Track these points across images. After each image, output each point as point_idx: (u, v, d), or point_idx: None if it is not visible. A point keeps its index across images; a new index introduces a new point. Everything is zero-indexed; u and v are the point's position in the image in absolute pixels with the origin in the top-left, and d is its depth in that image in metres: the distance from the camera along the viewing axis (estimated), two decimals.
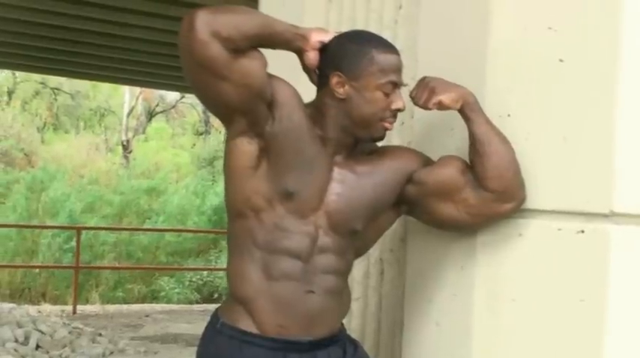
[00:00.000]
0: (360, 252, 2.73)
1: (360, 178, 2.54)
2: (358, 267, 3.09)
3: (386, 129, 2.50)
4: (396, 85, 2.46)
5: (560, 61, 2.45)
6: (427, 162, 2.61)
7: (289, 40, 2.45)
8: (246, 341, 2.45)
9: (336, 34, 2.53)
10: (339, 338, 2.58)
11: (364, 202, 2.53)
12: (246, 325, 2.46)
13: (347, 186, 2.52)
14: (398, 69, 2.47)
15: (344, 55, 2.46)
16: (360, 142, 2.55)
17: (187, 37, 2.28)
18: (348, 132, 2.50)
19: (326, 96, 2.50)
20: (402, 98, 2.48)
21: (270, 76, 2.41)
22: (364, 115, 2.46)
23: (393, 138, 2.97)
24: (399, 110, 2.48)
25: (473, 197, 2.50)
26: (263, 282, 2.45)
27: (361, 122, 2.47)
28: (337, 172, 2.51)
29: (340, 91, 2.46)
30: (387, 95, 2.45)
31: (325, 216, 2.49)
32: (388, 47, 2.50)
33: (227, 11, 2.33)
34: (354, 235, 2.56)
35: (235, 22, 2.29)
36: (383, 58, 2.44)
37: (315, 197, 2.47)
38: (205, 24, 2.25)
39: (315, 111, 2.51)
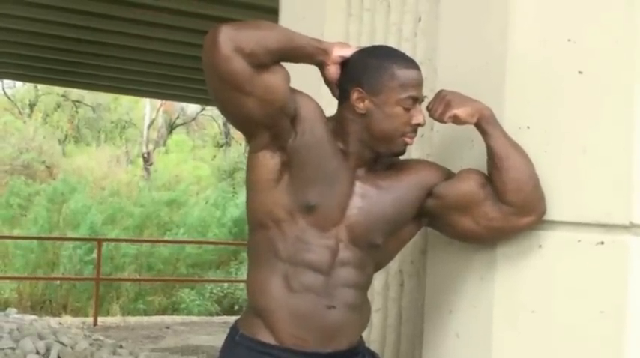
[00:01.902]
0: (380, 265, 2.73)
1: (381, 192, 2.54)
2: (378, 279, 3.09)
3: (406, 143, 2.51)
4: (416, 99, 2.47)
5: (580, 72, 2.46)
6: (448, 175, 2.61)
7: (311, 54, 2.47)
8: (265, 352, 2.46)
9: (357, 49, 2.54)
10: (359, 351, 2.58)
11: (385, 216, 2.54)
12: (265, 336, 2.46)
13: (368, 200, 2.52)
14: (418, 84, 2.48)
15: (364, 71, 2.47)
16: (381, 157, 2.56)
17: (211, 52, 2.29)
18: (369, 146, 2.51)
19: (347, 111, 2.51)
20: (422, 113, 2.49)
21: (293, 91, 2.43)
22: (385, 130, 2.47)
23: (413, 150, 2.97)
24: (419, 125, 2.49)
25: (492, 210, 2.50)
26: (283, 294, 2.45)
27: (382, 137, 2.48)
28: (359, 186, 2.52)
29: (360, 106, 2.47)
30: (407, 110, 2.45)
31: (346, 230, 2.50)
32: (409, 62, 2.51)
33: (250, 26, 2.35)
34: (375, 249, 2.56)
35: (258, 37, 2.31)
36: (403, 73, 2.45)
37: (336, 211, 2.48)
38: (228, 39, 2.26)
39: (337, 125, 2.52)
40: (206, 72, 2.36)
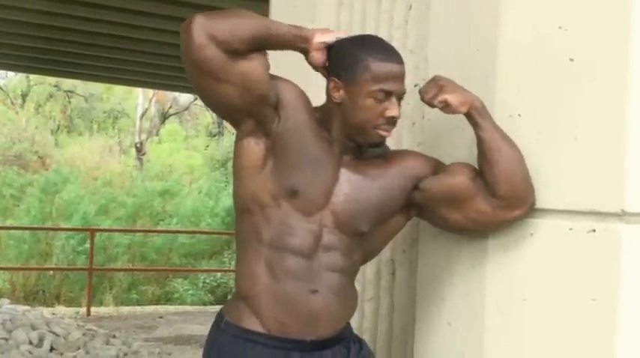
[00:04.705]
0: (369, 255, 2.74)
1: (368, 180, 2.55)
2: (370, 268, 3.09)
3: (381, 136, 2.51)
4: (390, 93, 2.45)
5: (571, 60, 2.45)
6: (436, 167, 2.61)
7: (290, 42, 2.48)
8: (249, 339, 2.48)
9: (343, 35, 2.54)
10: (344, 338, 2.58)
11: (371, 204, 2.55)
12: (250, 323, 2.49)
13: (354, 187, 2.53)
14: (394, 77, 2.46)
15: (342, 60, 2.48)
16: (362, 146, 2.56)
17: (185, 40, 2.34)
18: (347, 136, 2.52)
19: (328, 100, 2.53)
20: (397, 106, 2.47)
21: (276, 78, 2.46)
22: (356, 121, 2.48)
23: (404, 138, 2.97)
24: (393, 118, 2.48)
25: (482, 204, 2.51)
26: (266, 281, 2.47)
27: (355, 128, 2.49)
28: (344, 173, 2.53)
29: (336, 96, 2.49)
30: (380, 102, 2.45)
31: (331, 216, 2.51)
32: (387, 55, 2.49)
33: (224, 15, 2.38)
34: (361, 236, 2.57)
35: (232, 25, 2.34)
36: (378, 66, 2.44)
37: (320, 196, 2.49)
38: (201, 28, 2.31)
39: (322, 113, 2.55)
40: (183, 61, 2.40)
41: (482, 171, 2.50)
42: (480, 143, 2.49)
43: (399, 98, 2.49)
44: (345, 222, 2.51)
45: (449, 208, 2.57)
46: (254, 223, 2.50)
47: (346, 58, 2.48)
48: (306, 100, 2.51)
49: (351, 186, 2.53)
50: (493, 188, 2.48)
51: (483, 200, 2.50)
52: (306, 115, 2.49)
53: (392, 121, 2.49)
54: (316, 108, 2.55)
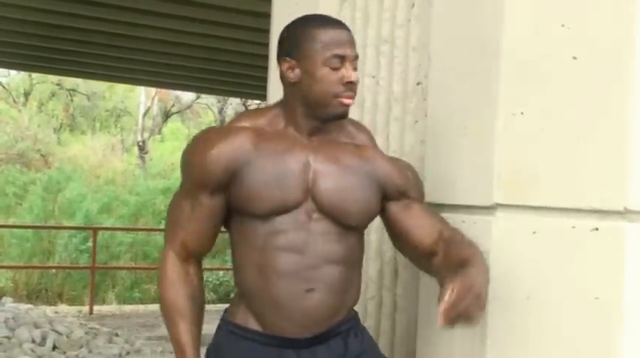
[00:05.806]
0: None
1: (343, 171, 2.49)
2: (372, 266, 3.09)
3: (343, 104, 2.42)
4: (344, 58, 2.42)
5: (574, 58, 2.44)
6: (405, 185, 2.58)
7: None
8: (242, 336, 2.49)
9: None
10: (341, 330, 2.55)
11: (350, 192, 2.49)
12: (244, 320, 2.50)
13: (330, 173, 2.48)
14: (342, 42, 2.43)
15: (289, 41, 2.47)
16: (326, 123, 2.49)
17: None
18: (311, 116, 2.46)
19: (285, 87, 2.50)
20: (353, 70, 2.43)
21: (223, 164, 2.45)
22: (317, 94, 2.41)
23: (406, 136, 2.97)
24: (351, 83, 2.42)
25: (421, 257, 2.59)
26: (259, 284, 2.45)
27: (317, 102, 2.43)
28: (317, 161, 2.47)
29: (291, 76, 2.45)
30: (335, 70, 2.41)
31: (314, 202, 2.45)
32: (329, 22, 2.48)
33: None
34: (349, 218, 2.49)
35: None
36: (323, 33, 2.42)
37: (297, 193, 2.44)
38: None
39: (282, 105, 2.51)
40: None
41: (442, 260, 2.52)
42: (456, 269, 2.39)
43: (352, 64, 2.44)
44: (329, 202, 2.45)
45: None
46: (243, 225, 2.48)
47: (293, 37, 2.46)
48: (244, 145, 2.44)
49: (324, 170, 2.47)
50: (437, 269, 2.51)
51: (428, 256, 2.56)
52: (252, 155, 2.43)
53: (352, 87, 2.43)
54: (270, 108, 2.56)
